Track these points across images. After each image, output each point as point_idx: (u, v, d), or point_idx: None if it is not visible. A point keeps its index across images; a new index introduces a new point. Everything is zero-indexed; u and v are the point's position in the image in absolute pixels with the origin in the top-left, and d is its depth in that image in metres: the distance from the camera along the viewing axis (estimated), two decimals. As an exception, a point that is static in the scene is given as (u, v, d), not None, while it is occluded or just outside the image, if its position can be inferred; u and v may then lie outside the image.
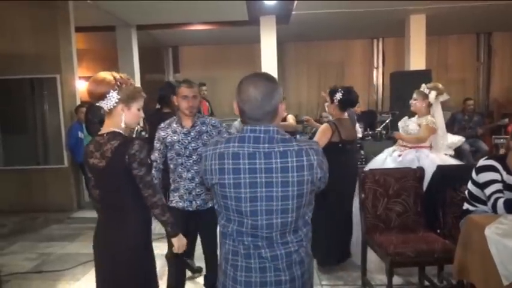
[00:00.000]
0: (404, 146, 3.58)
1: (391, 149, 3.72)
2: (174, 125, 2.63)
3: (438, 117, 3.59)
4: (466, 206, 2.59)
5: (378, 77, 10.19)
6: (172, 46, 10.40)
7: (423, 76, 6.81)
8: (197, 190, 2.60)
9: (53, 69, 5.45)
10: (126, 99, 1.86)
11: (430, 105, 3.54)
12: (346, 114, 3.38)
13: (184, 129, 2.60)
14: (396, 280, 2.87)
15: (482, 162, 2.48)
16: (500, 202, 2.25)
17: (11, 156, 5.66)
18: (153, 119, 3.32)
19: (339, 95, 3.26)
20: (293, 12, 6.87)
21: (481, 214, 2.39)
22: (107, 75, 1.84)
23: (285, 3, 6.49)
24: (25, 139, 5.71)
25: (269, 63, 7.56)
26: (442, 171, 2.97)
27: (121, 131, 1.86)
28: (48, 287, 3.26)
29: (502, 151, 3.07)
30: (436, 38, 9.48)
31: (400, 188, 2.93)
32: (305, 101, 10.24)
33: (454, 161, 3.58)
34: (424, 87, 3.58)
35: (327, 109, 3.50)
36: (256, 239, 1.38)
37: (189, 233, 2.53)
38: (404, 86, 6.53)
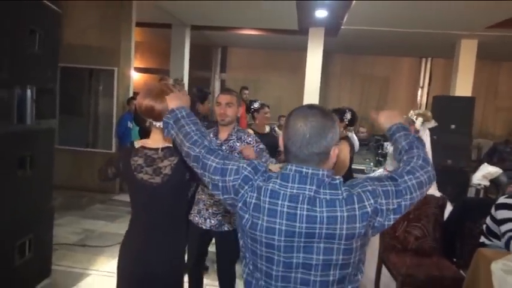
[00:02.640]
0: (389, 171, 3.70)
1: (377, 172, 3.91)
2: (211, 135, 2.61)
3: (426, 144, 3.74)
4: (482, 239, 2.69)
5: (422, 96, 10.10)
6: (222, 46, 10.79)
7: (466, 103, 6.77)
8: (214, 208, 2.42)
9: (112, 62, 5.93)
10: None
11: (416, 131, 3.67)
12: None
13: (218, 141, 2.42)
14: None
15: (502, 199, 2.58)
16: (514, 240, 2.35)
17: (66, 137, 6.19)
18: None
19: (348, 115, 3.52)
20: (342, 27, 7.01)
21: (493, 249, 2.50)
22: (169, 89, 1.70)
23: (335, 17, 6.65)
24: (80, 123, 6.23)
25: (313, 74, 7.73)
26: (464, 203, 3.07)
27: (172, 146, 1.70)
28: (89, 260, 3.64)
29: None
30: (489, 63, 9.28)
31: (421, 213, 3.06)
32: (346, 115, 10.30)
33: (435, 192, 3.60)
34: (411, 114, 3.69)
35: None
36: None
37: (202, 251, 2.61)
38: (446, 111, 6.53)
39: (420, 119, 3.63)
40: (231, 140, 2.43)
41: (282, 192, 1.13)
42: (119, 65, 5.95)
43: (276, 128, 5.19)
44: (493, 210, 2.60)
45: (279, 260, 1.13)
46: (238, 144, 2.42)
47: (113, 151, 6.08)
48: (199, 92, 3.70)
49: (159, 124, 1.66)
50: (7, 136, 2.67)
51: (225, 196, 1.23)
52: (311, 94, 7.59)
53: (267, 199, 1.13)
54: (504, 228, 2.45)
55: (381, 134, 6.43)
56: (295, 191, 1.12)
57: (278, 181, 1.15)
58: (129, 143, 1.83)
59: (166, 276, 1.76)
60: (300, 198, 1.11)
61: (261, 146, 2.48)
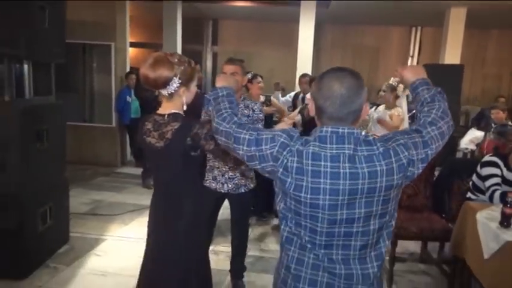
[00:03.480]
0: (373, 133, 3.93)
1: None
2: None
3: (403, 108, 4.03)
4: (469, 194, 2.95)
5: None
6: (213, 19, 10.73)
7: (455, 70, 6.98)
8: (230, 174, 2.57)
9: (109, 37, 5.97)
10: (186, 82, 1.78)
11: (397, 97, 3.91)
12: None
13: None
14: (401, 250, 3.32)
15: (487, 158, 2.83)
16: (497, 194, 2.61)
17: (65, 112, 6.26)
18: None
19: None
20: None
21: (479, 202, 2.76)
22: (165, 58, 1.73)
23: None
24: (79, 99, 6.30)
25: (306, 45, 7.81)
26: (452, 163, 3.32)
27: (181, 113, 1.81)
28: (102, 227, 3.86)
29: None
30: (477, 31, 9.43)
31: (413, 173, 3.30)
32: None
33: None
34: (393, 80, 3.91)
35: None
36: (331, 251, 1.23)
37: (216, 213, 2.71)
38: (435, 79, 6.67)
39: (401, 86, 3.87)
40: (239, 107, 2.49)
41: (323, 153, 1.17)
42: (115, 40, 6.00)
43: (272, 98, 5.31)
44: (478, 168, 2.85)
45: (323, 218, 1.19)
46: (246, 111, 2.55)
47: (113, 125, 6.21)
48: None
49: (164, 92, 1.74)
50: (26, 111, 2.81)
51: (263, 165, 1.26)
52: (304, 65, 7.69)
53: (310, 161, 1.17)
54: (488, 183, 2.71)
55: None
56: (334, 151, 1.17)
57: (317, 143, 1.19)
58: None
59: (187, 241, 1.82)
60: (341, 158, 1.16)
61: (260, 115, 2.62)
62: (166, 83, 1.71)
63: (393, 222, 1.27)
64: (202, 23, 10.78)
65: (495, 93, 9.10)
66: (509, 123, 4.79)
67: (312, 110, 1.27)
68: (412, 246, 3.57)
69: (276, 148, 1.22)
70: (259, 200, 3.94)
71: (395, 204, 1.24)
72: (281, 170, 1.21)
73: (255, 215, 4.17)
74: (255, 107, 2.61)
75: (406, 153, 1.18)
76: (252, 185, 2.67)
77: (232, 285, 2.84)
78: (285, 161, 1.20)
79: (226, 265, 2.92)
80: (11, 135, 2.69)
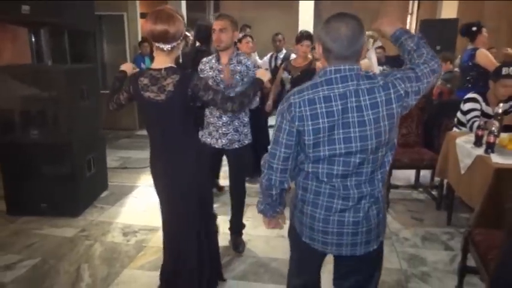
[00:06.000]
0: None
1: None
2: (213, 61, 2.62)
3: (372, 60, 4.42)
4: (454, 129, 3.41)
5: (411, 23, 10.47)
6: (214, -14, 10.91)
7: (451, 24, 7.27)
8: (223, 129, 2.61)
9: (120, 7, 6.31)
10: (183, 36, 1.86)
11: (367, 50, 4.26)
12: None
13: (220, 66, 2.57)
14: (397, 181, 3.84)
15: (469, 95, 3.26)
16: (476, 124, 3.06)
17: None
18: (188, 55, 3.66)
19: None
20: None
21: (459, 131, 3.22)
22: (175, 13, 1.80)
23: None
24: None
25: (307, 6, 8.08)
26: (441, 103, 3.76)
27: (176, 66, 1.87)
28: (135, 178, 4.39)
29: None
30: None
31: (406, 115, 3.73)
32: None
33: None
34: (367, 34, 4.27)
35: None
36: (346, 179, 1.39)
37: (214, 167, 2.86)
38: (432, 34, 7.03)
39: (371, 40, 4.22)
40: (231, 63, 2.57)
41: (332, 94, 1.32)
42: (127, 10, 6.35)
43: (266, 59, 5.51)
44: (461, 104, 3.29)
45: (341, 152, 1.35)
46: (238, 67, 2.57)
47: (130, 91, 6.64)
48: (208, 28, 3.88)
49: (166, 47, 1.79)
50: (69, 73, 3.27)
51: (296, 142, 1.41)
52: (305, 26, 7.98)
53: (323, 105, 1.32)
54: (469, 116, 3.16)
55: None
56: (341, 90, 1.32)
57: (325, 87, 1.34)
58: (121, 73, 2.07)
59: (193, 191, 1.97)
60: (348, 94, 1.32)
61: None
62: (179, 37, 1.80)
63: (394, 149, 1.47)
64: (203, -11, 10.96)
65: (491, 46, 9.37)
66: (455, 69, 5.08)
67: (319, 51, 1.41)
68: (406, 176, 4.08)
69: (296, 123, 1.37)
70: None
71: (395, 133, 1.43)
72: (297, 123, 1.36)
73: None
74: (248, 62, 2.62)
75: (403, 85, 1.34)
76: (246, 141, 2.70)
77: (233, 242, 2.89)
78: (296, 116, 1.35)
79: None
80: (60, 93, 3.16)
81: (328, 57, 1.37)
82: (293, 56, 4.32)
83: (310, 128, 1.33)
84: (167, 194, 2.03)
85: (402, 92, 1.33)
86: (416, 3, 10.33)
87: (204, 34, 3.60)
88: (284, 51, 5.26)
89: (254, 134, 2.80)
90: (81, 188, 3.44)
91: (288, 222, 1.64)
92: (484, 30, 4.05)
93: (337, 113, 1.31)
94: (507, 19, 10.34)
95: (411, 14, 10.42)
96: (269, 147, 1.46)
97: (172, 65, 1.85)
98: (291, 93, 1.40)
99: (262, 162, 1.50)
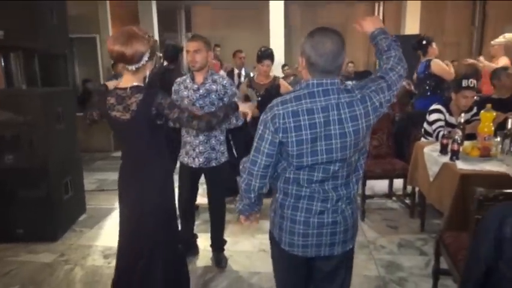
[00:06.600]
0: None
1: None
2: (187, 81, 2.65)
3: None
4: (422, 139, 3.59)
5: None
6: (185, 6, 11.06)
7: (414, 40, 7.64)
8: (200, 148, 2.63)
9: (93, 30, 6.33)
10: (153, 55, 1.85)
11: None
12: None
13: (195, 86, 2.60)
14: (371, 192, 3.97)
15: (433, 106, 3.45)
16: (441, 133, 3.25)
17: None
18: (156, 74, 3.50)
19: None
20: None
21: (426, 141, 3.40)
22: (137, 33, 1.77)
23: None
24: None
25: (276, 25, 8.30)
26: (409, 116, 3.96)
27: (142, 85, 1.86)
28: (112, 200, 4.32)
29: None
30: (433, 3, 10.14)
31: (377, 127, 3.91)
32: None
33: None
34: None
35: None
36: (323, 184, 1.46)
37: (193, 187, 2.80)
38: (397, 48, 7.38)
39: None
40: (206, 83, 2.61)
41: (315, 107, 1.38)
42: (99, 32, 6.37)
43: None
44: (427, 115, 3.47)
45: (322, 161, 1.41)
46: (214, 86, 2.60)
47: (104, 113, 6.60)
48: (175, 47, 3.85)
49: (131, 67, 1.79)
50: (44, 96, 3.25)
51: (277, 152, 1.45)
52: (276, 45, 8.20)
53: (306, 117, 1.37)
54: (434, 126, 3.34)
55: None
56: (323, 103, 1.38)
57: (308, 100, 1.39)
58: (103, 86, 2.02)
59: (156, 211, 1.94)
60: (329, 107, 1.38)
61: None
62: (140, 58, 1.77)
63: (366, 153, 1.56)
64: (175, 12, 11.10)
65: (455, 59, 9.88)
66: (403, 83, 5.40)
67: (302, 65, 1.45)
68: (380, 186, 4.22)
69: (279, 135, 1.41)
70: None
71: (368, 137, 1.53)
72: (281, 135, 1.40)
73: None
74: (224, 81, 2.66)
75: (378, 97, 1.42)
76: (223, 159, 2.73)
77: (215, 258, 2.92)
78: (280, 127, 1.39)
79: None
80: (35, 117, 3.13)
81: (312, 70, 1.42)
82: (252, 73, 4.37)
83: (294, 139, 1.38)
84: (131, 211, 1.99)
85: (377, 103, 1.42)
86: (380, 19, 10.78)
87: (172, 53, 3.67)
88: (244, 69, 5.42)
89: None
90: (58, 212, 3.39)
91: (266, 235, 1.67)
92: (433, 43, 4.38)
93: (319, 125, 1.37)
94: (466, 34, 10.95)
95: (376, 30, 10.84)
96: (250, 153, 1.50)
97: (139, 83, 1.85)
98: (274, 104, 1.43)
99: (241, 167, 1.56)
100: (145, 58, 1.79)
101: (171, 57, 3.65)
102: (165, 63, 3.91)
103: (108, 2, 6.53)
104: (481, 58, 5.23)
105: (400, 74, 1.51)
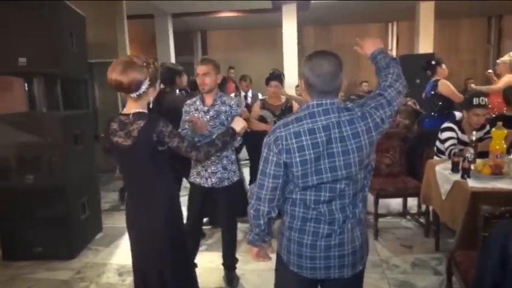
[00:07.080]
0: None
1: None
2: (198, 103, 2.73)
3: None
4: (434, 157, 3.57)
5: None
6: (202, 30, 11.38)
7: (428, 59, 7.65)
8: (212, 168, 2.67)
9: (111, 55, 6.55)
10: (154, 82, 1.88)
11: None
12: None
13: (205, 108, 2.68)
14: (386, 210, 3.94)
15: (445, 124, 3.44)
16: (453, 151, 3.23)
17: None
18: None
19: None
20: (312, 1, 7.75)
21: (439, 159, 3.38)
22: (134, 62, 1.79)
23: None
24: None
25: (290, 47, 8.45)
26: (421, 134, 3.95)
27: (145, 111, 1.89)
28: (127, 219, 4.43)
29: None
30: (447, 21, 10.15)
31: (389, 146, 3.92)
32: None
33: None
34: None
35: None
36: (330, 204, 1.46)
37: (204, 207, 2.83)
38: (410, 68, 7.39)
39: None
40: (216, 104, 2.69)
41: (316, 127, 1.41)
42: (117, 57, 6.57)
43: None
44: (439, 134, 3.46)
45: (328, 179, 1.43)
46: (223, 108, 2.69)
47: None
48: (171, 70, 3.88)
49: (132, 94, 1.82)
50: (64, 119, 3.40)
51: (284, 173, 1.47)
52: (290, 66, 8.35)
53: (308, 137, 1.41)
54: (447, 144, 3.33)
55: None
56: (324, 122, 1.41)
57: (309, 120, 1.42)
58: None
59: (163, 233, 1.94)
60: (331, 126, 1.41)
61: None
62: (139, 86, 1.79)
63: (372, 171, 1.56)
64: (192, 35, 11.42)
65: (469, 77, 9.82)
66: (409, 102, 5.30)
67: (302, 86, 1.51)
68: (395, 205, 4.19)
69: (283, 156, 1.44)
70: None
71: (373, 154, 1.54)
72: (284, 156, 1.43)
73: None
74: (231, 102, 2.73)
75: (378, 113, 1.45)
76: (235, 178, 2.77)
77: (226, 277, 2.95)
78: (283, 149, 1.43)
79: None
80: (54, 139, 3.27)
81: (311, 91, 1.46)
82: (260, 95, 4.47)
83: (298, 160, 1.41)
84: (138, 235, 2.00)
85: (378, 120, 1.44)
86: (395, 40, 10.84)
87: (167, 76, 3.72)
88: (251, 91, 6.04)
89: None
90: (75, 231, 3.48)
91: (274, 255, 1.66)
92: (443, 64, 4.40)
93: (321, 144, 1.39)
94: (482, 52, 10.89)
95: (391, 50, 10.90)
96: (257, 178, 1.52)
97: (142, 110, 1.87)
98: (277, 126, 1.47)
99: (249, 194, 1.59)
100: (145, 86, 1.81)
101: (167, 79, 3.71)
102: (161, 85, 3.98)
103: (126, 27, 6.76)
104: (490, 72, 5.22)
105: (399, 90, 1.53)
